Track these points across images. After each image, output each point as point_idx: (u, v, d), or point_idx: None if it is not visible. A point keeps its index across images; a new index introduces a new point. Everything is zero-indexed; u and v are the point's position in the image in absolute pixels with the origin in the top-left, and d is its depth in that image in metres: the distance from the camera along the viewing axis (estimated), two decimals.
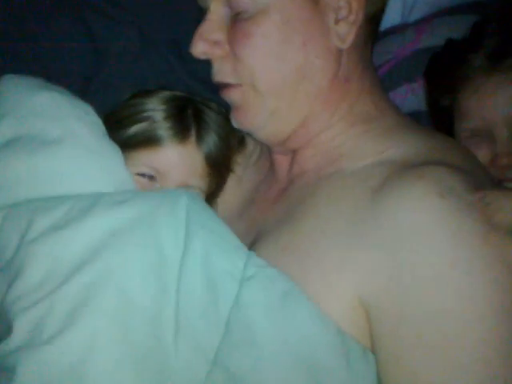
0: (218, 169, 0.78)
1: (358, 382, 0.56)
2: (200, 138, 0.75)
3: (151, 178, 0.74)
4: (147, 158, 0.73)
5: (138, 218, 0.61)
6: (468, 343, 0.52)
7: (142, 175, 0.73)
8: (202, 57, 0.66)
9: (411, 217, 0.55)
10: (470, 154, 0.69)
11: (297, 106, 0.65)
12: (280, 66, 0.63)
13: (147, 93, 0.77)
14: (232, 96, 0.67)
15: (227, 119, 0.76)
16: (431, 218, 0.55)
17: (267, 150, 0.75)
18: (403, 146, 0.64)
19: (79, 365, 0.55)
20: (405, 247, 0.55)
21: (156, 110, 0.75)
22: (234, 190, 0.79)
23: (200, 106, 0.77)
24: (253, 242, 0.66)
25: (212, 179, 0.77)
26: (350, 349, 0.55)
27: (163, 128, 0.74)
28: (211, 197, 0.79)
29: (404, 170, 0.59)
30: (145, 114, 0.75)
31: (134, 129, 0.74)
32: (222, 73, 0.66)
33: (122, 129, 0.74)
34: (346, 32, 0.63)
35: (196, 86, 0.85)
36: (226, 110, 0.76)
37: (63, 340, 0.56)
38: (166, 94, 0.77)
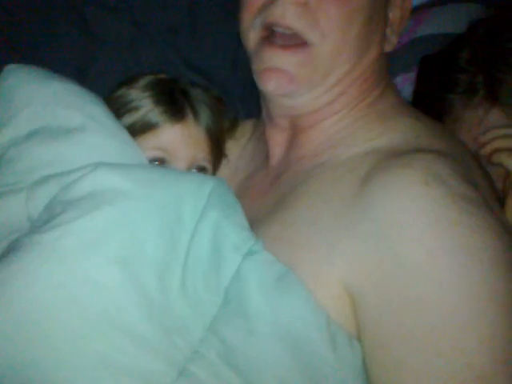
0: (218, 144, 0.79)
1: (344, 368, 0.56)
2: (196, 114, 0.76)
3: (162, 161, 0.74)
4: (152, 142, 0.74)
5: (165, 182, 0.63)
6: (447, 332, 0.52)
7: (153, 160, 0.74)
8: None
9: (395, 206, 0.55)
10: (458, 139, 0.69)
11: (339, 84, 0.65)
12: (356, 39, 0.63)
13: (130, 81, 0.77)
14: (288, 57, 0.63)
15: (217, 99, 0.78)
16: (415, 206, 0.54)
17: (264, 138, 0.75)
18: (393, 132, 0.63)
19: (86, 292, 0.55)
20: (388, 237, 0.55)
21: (143, 97, 0.75)
22: (229, 180, 0.79)
23: (185, 86, 0.78)
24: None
25: (213, 156, 0.78)
26: (336, 335, 0.56)
27: (157, 113, 0.74)
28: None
29: (391, 158, 0.59)
30: (133, 104, 0.75)
31: (129, 119, 0.74)
32: (293, 18, 0.62)
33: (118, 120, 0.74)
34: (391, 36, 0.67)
35: (190, 74, 0.85)
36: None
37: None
38: (149, 79, 0.77)
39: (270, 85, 0.65)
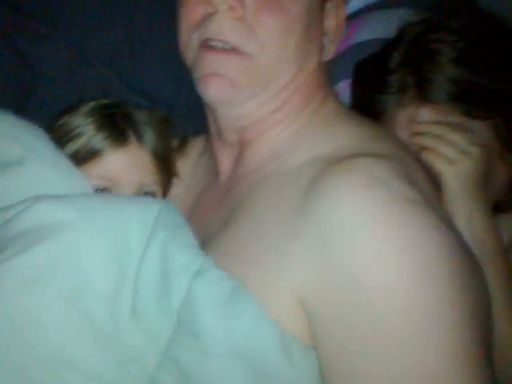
0: (166, 165, 0.78)
1: (301, 379, 0.56)
2: (140, 138, 0.75)
3: (106, 189, 0.73)
4: (96, 170, 0.73)
5: (110, 209, 0.62)
6: (398, 334, 0.52)
7: (97, 189, 0.72)
8: (223, 6, 0.61)
9: (338, 212, 0.55)
10: (399, 140, 0.70)
11: (280, 93, 0.65)
12: (294, 49, 0.63)
13: (72, 109, 0.76)
14: (228, 63, 0.63)
15: (163, 119, 0.77)
16: (357, 211, 0.55)
17: (213, 154, 0.74)
18: (336, 138, 0.64)
19: (30, 330, 0.54)
20: (333, 244, 0.55)
21: (84, 124, 0.74)
22: (182, 198, 0.79)
23: (128, 109, 0.77)
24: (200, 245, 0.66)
25: (162, 177, 0.77)
26: (292, 347, 0.56)
27: (99, 139, 0.73)
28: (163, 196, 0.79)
29: (334, 164, 0.59)
30: (75, 132, 0.74)
31: (72, 148, 0.73)
32: (230, 32, 0.62)
33: (61, 149, 0.73)
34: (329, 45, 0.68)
35: (133, 96, 0.84)
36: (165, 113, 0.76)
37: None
38: (91, 105, 0.76)
39: (211, 90, 0.64)
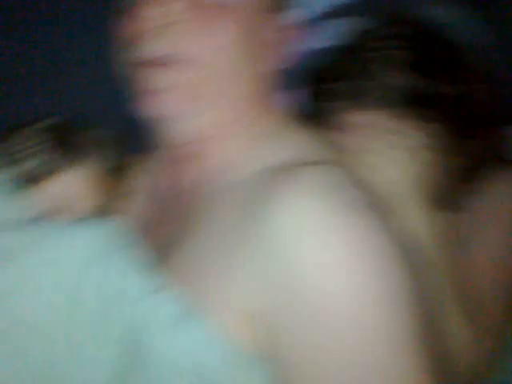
0: (119, 183, 0.78)
1: None
2: (93, 157, 0.75)
3: (58, 210, 0.72)
4: (48, 191, 0.72)
5: (54, 237, 0.61)
6: (350, 339, 0.53)
7: (49, 212, 0.71)
8: (163, 20, 0.61)
9: (282, 223, 0.56)
10: (345, 148, 0.72)
11: (225, 106, 0.66)
12: (234, 63, 0.64)
13: (18, 129, 0.75)
14: (171, 78, 0.62)
15: (117, 137, 0.77)
16: (301, 220, 0.55)
17: (165, 169, 0.75)
18: (283, 149, 0.65)
19: None
20: (279, 256, 0.55)
21: (37, 143, 0.73)
22: (137, 214, 0.78)
23: (80, 128, 0.77)
24: (157, 265, 0.65)
25: (116, 195, 0.77)
26: (245, 361, 0.56)
27: (52, 159, 0.73)
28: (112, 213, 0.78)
29: (279, 175, 0.60)
30: (27, 151, 0.73)
31: (23, 168, 0.72)
32: (171, 46, 0.62)
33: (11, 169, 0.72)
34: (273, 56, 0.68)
35: (82, 116, 0.83)
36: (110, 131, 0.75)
37: None
38: (43, 124, 0.76)
39: (155, 107, 0.64)
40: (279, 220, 0.56)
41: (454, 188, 0.77)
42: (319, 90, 0.82)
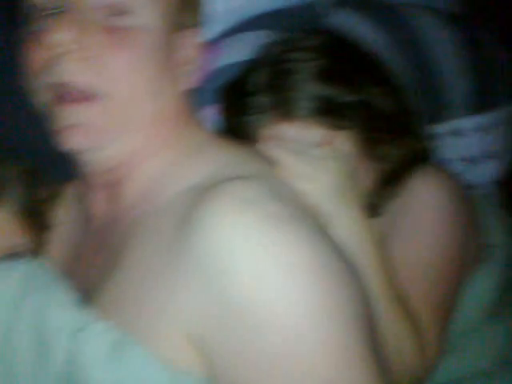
0: (36, 220, 0.74)
1: None
2: (4, 196, 0.70)
3: None
4: None
5: None
6: (289, 353, 0.52)
7: None
8: (68, 48, 0.59)
9: (212, 240, 0.54)
10: (269, 160, 0.71)
11: (142, 129, 0.64)
12: (147, 85, 0.62)
13: None
14: (82, 111, 0.60)
15: (29, 171, 0.73)
16: (230, 236, 0.54)
17: (86, 199, 0.71)
18: (206, 166, 0.64)
19: None
20: (212, 274, 0.54)
21: None
22: (59, 250, 0.75)
23: None
24: (84, 299, 0.62)
25: (33, 234, 0.73)
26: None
27: None
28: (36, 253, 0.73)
29: (204, 192, 0.58)
30: None
31: None
32: (79, 75, 0.60)
33: None
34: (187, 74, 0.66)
35: None
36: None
37: None
38: None
39: (70, 142, 0.62)
40: (208, 239, 0.54)
41: (376, 193, 0.79)
42: (238, 104, 0.81)
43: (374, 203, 0.78)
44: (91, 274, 0.65)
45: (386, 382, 0.55)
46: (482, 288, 0.77)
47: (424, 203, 0.76)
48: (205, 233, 0.55)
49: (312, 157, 0.74)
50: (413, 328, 0.70)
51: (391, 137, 0.80)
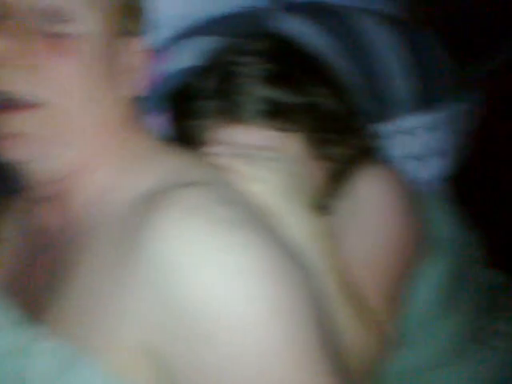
0: None
1: None
2: None
3: None
4: None
5: None
6: (241, 360, 0.52)
7: None
8: (9, 55, 0.58)
9: (162, 249, 0.54)
10: (219, 165, 0.71)
11: (87, 138, 0.63)
12: (90, 93, 0.61)
13: None
14: (26, 119, 0.59)
15: None
16: (180, 243, 0.54)
17: (33, 212, 0.70)
18: (154, 174, 0.63)
19: None
20: (164, 284, 0.53)
21: None
22: (4, 267, 0.73)
23: None
24: (33, 316, 0.61)
25: None
26: None
27: None
28: None
29: (152, 200, 0.58)
30: None
31: None
32: (21, 84, 0.59)
33: None
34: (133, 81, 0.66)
35: None
36: None
37: None
38: None
39: (12, 152, 0.60)
40: (157, 250, 0.53)
41: (325, 192, 0.80)
42: (187, 110, 0.81)
43: (324, 203, 0.79)
44: (40, 290, 0.64)
45: (344, 381, 0.55)
46: (431, 281, 0.79)
47: (371, 201, 0.77)
48: (153, 244, 0.54)
49: (261, 159, 0.74)
50: (368, 322, 0.71)
51: (338, 137, 0.81)
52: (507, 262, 0.92)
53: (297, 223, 0.72)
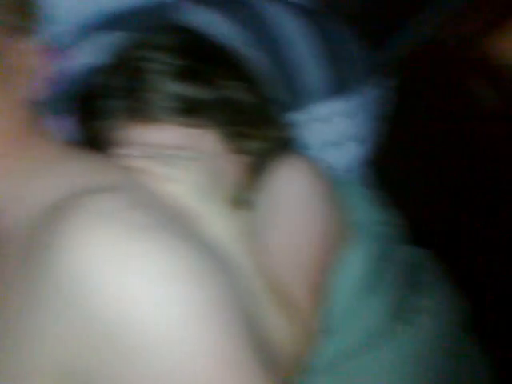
0: None
1: None
2: None
3: None
4: None
5: None
6: (168, 377, 0.50)
7: None
8: None
9: (69, 267, 0.50)
10: (129, 168, 0.68)
11: None
12: None
13: None
14: None
15: None
16: (88, 259, 0.50)
17: None
18: (59, 181, 0.60)
19: None
20: (74, 305, 0.50)
21: None
22: None
23: None
24: None
25: None
26: None
27: None
28: None
29: (55, 211, 0.54)
30: None
31: None
32: None
33: None
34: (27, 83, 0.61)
35: None
36: None
37: None
38: None
39: None
40: (67, 263, 0.50)
41: (243, 187, 0.79)
42: (93, 110, 0.77)
43: (244, 198, 0.78)
44: None
45: (273, 379, 0.54)
46: (355, 266, 0.80)
47: (289, 193, 0.77)
48: (62, 257, 0.50)
49: (176, 159, 0.72)
50: (295, 318, 0.71)
51: (254, 130, 0.80)
52: (424, 238, 0.94)
53: (218, 223, 0.71)
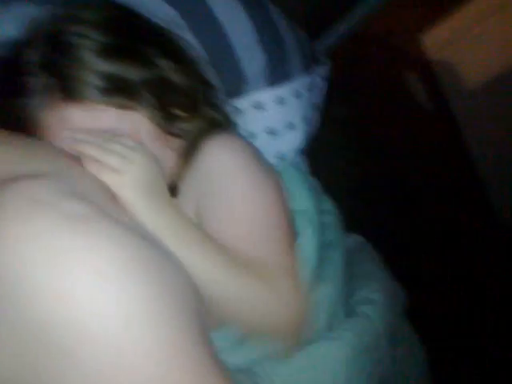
0: None
1: None
2: None
3: None
4: None
5: None
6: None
7: None
8: None
9: (6, 263, 0.45)
10: (57, 151, 0.63)
11: None
12: None
13: None
14: None
15: None
16: (20, 254, 0.45)
17: None
18: None
19: None
20: (9, 309, 0.45)
21: None
22: None
23: None
24: None
25: None
26: None
27: None
28: None
29: None
30: None
31: None
32: None
33: None
34: None
35: None
36: None
37: None
38: None
39: None
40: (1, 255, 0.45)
41: (179, 172, 0.75)
42: (10, 88, 0.70)
43: (176, 183, 0.74)
44: None
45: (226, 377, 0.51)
46: (301, 254, 0.77)
47: (225, 169, 0.73)
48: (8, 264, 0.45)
49: (108, 143, 0.67)
50: (272, 287, 0.67)
51: (188, 112, 0.76)
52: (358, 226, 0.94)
53: (157, 214, 0.66)
